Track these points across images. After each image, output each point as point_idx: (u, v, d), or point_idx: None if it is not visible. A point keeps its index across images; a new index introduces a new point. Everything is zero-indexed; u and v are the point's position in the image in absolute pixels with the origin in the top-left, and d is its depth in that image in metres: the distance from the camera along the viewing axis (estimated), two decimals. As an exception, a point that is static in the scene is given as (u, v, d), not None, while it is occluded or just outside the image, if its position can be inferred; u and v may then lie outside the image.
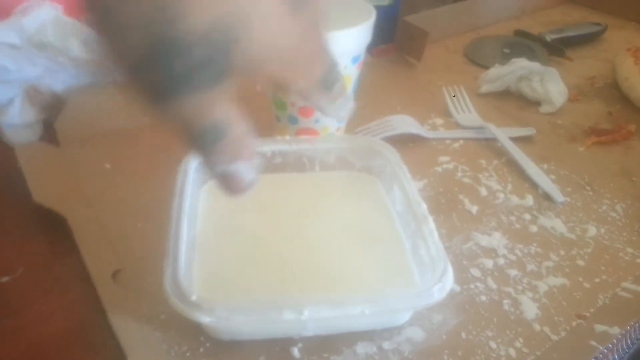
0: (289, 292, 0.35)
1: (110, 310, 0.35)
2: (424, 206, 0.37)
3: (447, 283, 0.32)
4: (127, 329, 0.34)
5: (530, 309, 0.37)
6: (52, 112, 0.52)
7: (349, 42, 0.43)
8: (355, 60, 0.45)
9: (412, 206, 0.38)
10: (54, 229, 0.41)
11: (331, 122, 0.48)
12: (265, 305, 0.30)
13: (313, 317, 0.30)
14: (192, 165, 0.39)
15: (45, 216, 0.42)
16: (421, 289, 0.31)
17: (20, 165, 0.46)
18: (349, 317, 0.31)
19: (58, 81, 0.51)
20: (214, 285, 0.35)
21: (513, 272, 0.39)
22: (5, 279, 0.38)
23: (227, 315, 0.29)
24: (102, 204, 0.44)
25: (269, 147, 0.42)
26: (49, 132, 0.51)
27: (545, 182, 0.47)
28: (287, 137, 0.43)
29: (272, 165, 0.43)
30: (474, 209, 0.45)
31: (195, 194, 0.39)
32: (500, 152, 0.52)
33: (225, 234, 0.39)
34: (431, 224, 0.36)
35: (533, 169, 0.48)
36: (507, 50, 0.70)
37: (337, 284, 0.35)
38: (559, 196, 0.46)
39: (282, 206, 0.41)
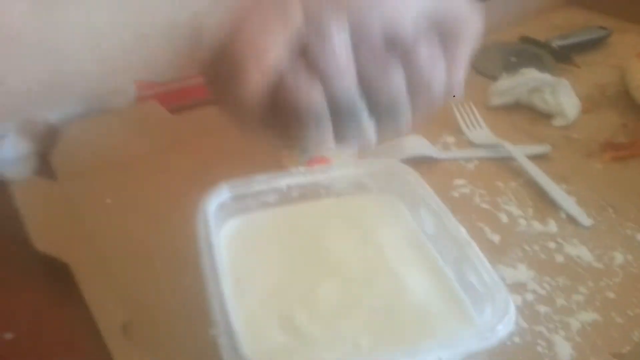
0: (350, 340, 0.32)
1: (123, 371, 0.33)
2: (463, 229, 0.35)
3: (512, 317, 0.30)
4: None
5: (564, 350, 0.35)
6: (47, 143, 0.49)
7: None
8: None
9: (449, 230, 0.36)
10: (56, 275, 0.39)
11: (343, 149, 0.46)
12: None
13: None
14: (211, 209, 0.37)
15: (46, 262, 0.39)
16: (486, 327, 0.30)
17: (17, 204, 0.43)
18: None
19: (52, 111, 0.48)
20: (268, 342, 0.32)
21: (543, 309, 0.38)
22: (9, 335, 0.36)
23: None
24: (105, 245, 0.41)
25: (284, 181, 0.40)
26: (44, 165, 0.48)
27: (570, 205, 0.46)
28: (301, 169, 0.41)
29: (289, 199, 0.41)
30: (496, 238, 0.43)
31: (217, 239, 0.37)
32: (517, 172, 0.50)
33: (262, 277, 0.36)
34: (476, 248, 0.34)
35: (556, 192, 0.47)
36: (513, 59, 0.68)
37: (394, 322, 0.34)
38: (585, 220, 0.45)
39: (312, 240, 0.39)
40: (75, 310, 0.37)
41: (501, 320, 0.30)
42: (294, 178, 0.40)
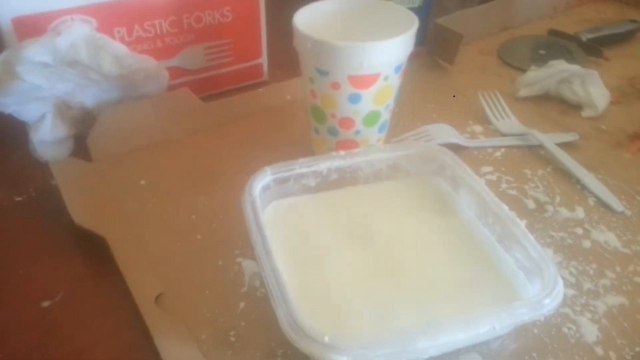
0: (394, 318, 0.33)
1: (156, 337, 0.34)
2: (505, 207, 0.36)
3: (561, 289, 0.31)
4: (173, 355, 0.33)
5: (591, 331, 0.35)
6: (83, 127, 0.51)
7: (393, 52, 0.41)
8: (397, 69, 0.43)
9: (491, 208, 0.37)
10: (92, 249, 0.41)
11: (371, 134, 0.47)
12: (398, 336, 0.29)
13: (447, 342, 0.29)
14: (258, 188, 0.38)
15: (83, 236, 0.41)
16: (536, 299, 0.31)
17: (55, 182, 0.45)
18: (479, 335, 0.30)
19: (89, 96, 0.50)
20: (322, 316, 0.33)
21: (570, 292, 0.38)
22: (46, 303, 0.38)
23: (364, 353, 0.28)
24: (140, 223, 0.43)
25: (324, 164, 0.41)
26: (80, 148, 0.50)
27: (603, 191, 0.45)
28: (341, 152, 0.42)
29: (329, 182, 0.42)
30: (522, 223, 0.43)
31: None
32: (545, 160, 0.50)
33: (311, 260, 0.37)
34: (521, 225, 0.35)
35: (588, 178, 0.47)
36: (542, 52, 0.67)
37: (444, 296, 0.34)
38: (617, 205, 0.44)
39: (356, 224, 0.40)
40: (110, 281, 0.38)
41: (551, 293, 0.31)
42: (333, 161, 0.41)
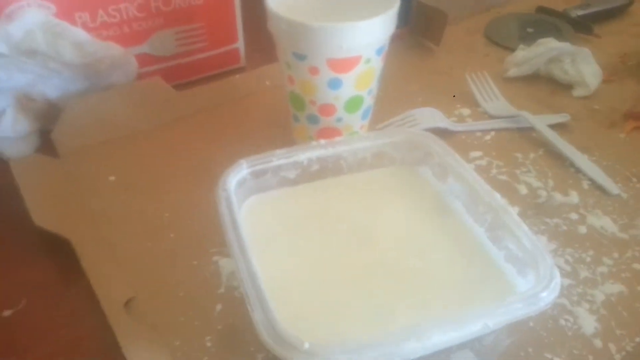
0: (384, 316, 0.31)
1: (125, 346, 0.32)
2: (497, 194, 0.34)
3: (558, 282, 0.29)
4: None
5: (589, 323, 0.33)
6: (47, 121, 0.48)
7: (374, 32, 0.39)
8: (379, 51, 0.41)
9: (481, 196, 0.34)
10: (57, 252, 0.38)
11: (354, 120, 0.44)
12: (386, 340, 0.26)
13: (437, 343, 0.27)
14: (233, 183, 0.35)
15: (48, 238, 0.38)
16: (531, 293, 0.28)
17: (16, 182, 0.42)
18: (472, 334, 0.28)
19: (51, 87, 0.47)
20: (302, 322, 0.30)
21: (566, 282, 0.36)
22: (7, 312, 0.35)
23: (348, 358, 0.26)
24: (108, 223, 0.40)
25: (304, 154, 0.38)
26: (45, 144, 0.47)
27: (597, 174, 0.44)
28: (322, 141, 0.39)
29: (309, 174, 0.39)
30: (515, 210, 0.41)
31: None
32: (536, 143, 0.48)
33: (289, 257, 0.35)
34: (514, 214, 0.33)
35: (581, 160, 0.45)
36: (530, 30, 0.65)
37: (432, 291, 0.32)
38: (613, 187, 0.42)
39: (338, 217, 0.37)
40: (78, 287, 0.36)
41: (547, 286, 0.28)
42: (314, 151, 0.38)
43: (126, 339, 0.32)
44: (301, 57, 0.40)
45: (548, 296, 0.28)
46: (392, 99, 0.52)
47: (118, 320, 0.33)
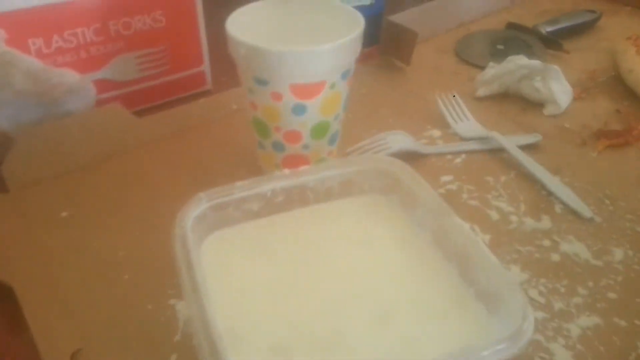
0: (350, 350, 0.29)
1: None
2: (467, 226, 0.32)
3: (531, 321, 0.27)
4: None
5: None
6: (-2, 152, 0.45)
7: (339, 56, 0.37)
8: (345, 75, 0.39)
9: (450, 228, 0.33)
10: (2, 297, 0.35)
11: (321, 147, 0.43)
12: None
13: None
14: (189, 223, 0.33)
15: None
16: (503, 334, 0.27)
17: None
18: None
19: (3, 117, 0.45)
20: None
21: (540, 315, 0.34)
22: (-56, 368, 0.32)
23: None
24: (58, 264, 0.37)
25: (267, 185, 0.36)
26: (-4, 177, 0.44)
27: (570, 197, 0.42)
28: (286, 171, 0.37)
29: (274, 205, 0.37)
30: (486, 238, 0.40)
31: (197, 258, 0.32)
32: (508, 165, 0.47)
33: (253, 296, 0.32)
34: (481, 243, 0.31)
35: (553, 183, 0.44)
36: (501, 47, 0.64)
37: (399, 330, 0.30)
38: (586, 211, 0.41)
39: (305, 250, 0.35)
40: (16, 338, 0.33)
41: (521, 327, 0.27)
42: (278, 181, 0.36)
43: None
44: (263, 82, 0.38)
45: (523, 336, 0.27)
46: (361, 120, 0.51)
47: (63, 375, 0.30)
